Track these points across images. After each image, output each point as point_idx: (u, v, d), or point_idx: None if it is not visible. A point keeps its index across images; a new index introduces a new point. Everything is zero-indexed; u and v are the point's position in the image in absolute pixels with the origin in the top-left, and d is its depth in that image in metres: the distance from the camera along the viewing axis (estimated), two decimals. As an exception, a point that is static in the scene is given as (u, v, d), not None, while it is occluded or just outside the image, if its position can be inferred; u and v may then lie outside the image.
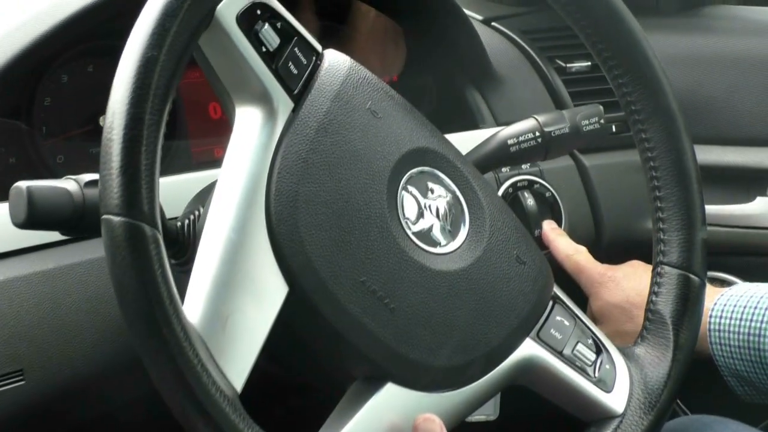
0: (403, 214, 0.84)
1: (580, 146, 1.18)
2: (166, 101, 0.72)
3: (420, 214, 0.85)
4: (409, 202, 0.85)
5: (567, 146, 1.07)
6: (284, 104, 0.81)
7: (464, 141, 1.11)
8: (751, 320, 0.98)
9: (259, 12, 0.80)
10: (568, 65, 1.32)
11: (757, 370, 0.98)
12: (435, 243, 0.85)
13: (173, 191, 0.95)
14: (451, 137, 1.17)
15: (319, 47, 0.86)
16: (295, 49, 0.82)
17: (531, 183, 1.20)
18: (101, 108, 0.73)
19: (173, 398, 0.70)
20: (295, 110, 0.82)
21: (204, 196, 0.92)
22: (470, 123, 1.26)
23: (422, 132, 0.88)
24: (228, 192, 0.79)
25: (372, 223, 0.82)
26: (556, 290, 0.92)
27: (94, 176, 0.79)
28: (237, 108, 0.82)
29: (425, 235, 0.85)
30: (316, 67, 0.84)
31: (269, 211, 0.78)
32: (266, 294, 0.77)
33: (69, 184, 0.81)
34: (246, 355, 0.76)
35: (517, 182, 1.20)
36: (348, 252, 0.80)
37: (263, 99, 0.81)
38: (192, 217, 0.89)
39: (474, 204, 0.89)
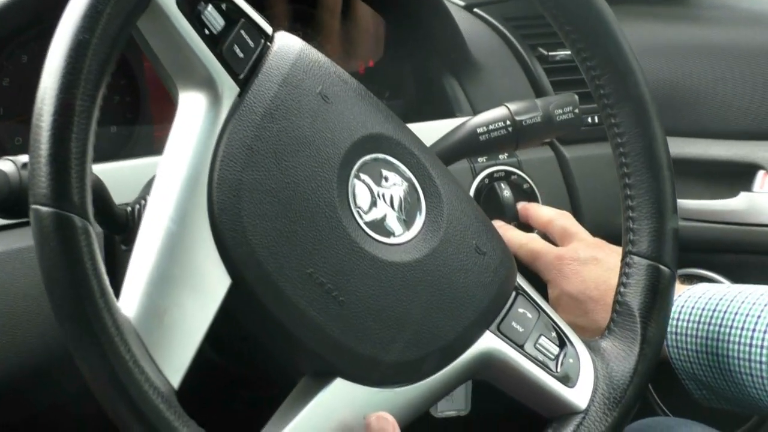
0: (355, 203, 0.81)
1: (553, 136, 1.15)
2: (99, 87, 0.69)
3: (373, 203, 0.82)
4: (361, 191, 0.82)
5: (539, 136, 1.04)
6: (229, 89, 0.78)
7: (439, 129, 1.09)
8: (709, 324, 0.94)
9: None
10: (551, 53, 1.29)
11: (715, 374, 0.95)
12: (388, 233, 0.82)
13: (134, 176, 0.93)
14: (427, 125, 1.16)
15: (269, 29, 0.82)
16: (242, 31, 0.79)
17: (508, 174, 1.18)
18: None
19: (104, 396, 0.68)
20: (240, 95, 0.78)
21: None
22: (447, 111, 1.23)
23: (377, 117, 0.85)
24: (168, 180, 0.76)
25: (320, 213, 0.79)
26: (520, 281, 0.89)
27: None
28: (180, 93, 0.79)
29: (378, 225, 0.82)
30: (265, 50, 0.81)
31: (211, 200, 0.75)
32: (207, 287, 0.74)
33: (5, 164, 0.78)
34: (184, 351, 0.73)
35: (493, 173, 1.17)
36: (294, 242, 0.77)
37: (207, 84, 0.78)
38: (143, 202, 0.87)
39: (431, 192, 0.85)
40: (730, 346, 0.93)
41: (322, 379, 0.79)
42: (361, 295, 0.79)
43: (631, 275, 0.89)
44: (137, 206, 0.87)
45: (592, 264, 1.03)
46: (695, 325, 0.95)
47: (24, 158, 0.78)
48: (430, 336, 0.81)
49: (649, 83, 0.90)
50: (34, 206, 0.67)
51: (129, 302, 0.72)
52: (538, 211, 1.11)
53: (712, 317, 0.94)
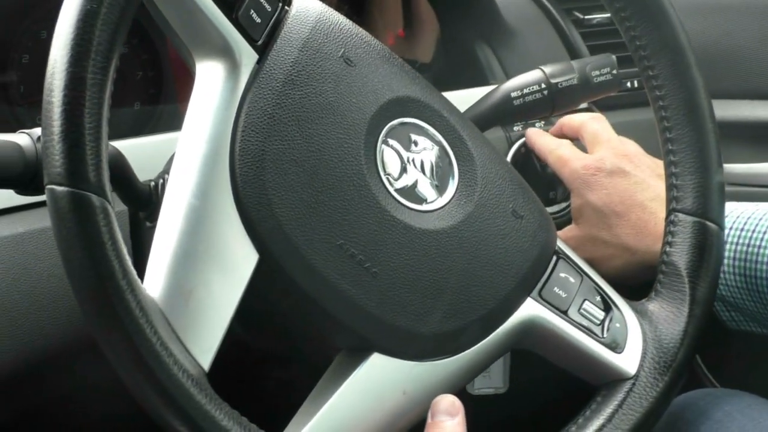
0: (384, 170, 0.78)
1: (590, 99, 1.10)
2: (111, 58, 0.65)
3: (403, 169, 0.79)
4: (390, 157, 0.79)
5: (576, 99, 1.00)
6: (247, 56, 0.75)
7: (473, 97, 1.05)
8: (738, 243, 0.90)
9: None
10: (587, 17, 1.25)
11: (744, 295, 0.90)
12: (420, 200, 0.79)
13: (158, 152, 0.90)
14: (460, 93, 1.13)
15: None
16: None
17: (545, 143, 1.13)
18: None
19: (132, 381, 0.65)
20: (259, 62, 0.75)
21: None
22: (480, 79, 1.20)
23: (403, 80, 0.81)
24: (188, 154, 0.73)
25: (348, 181, 0.75)
26: (560, 244, 0.85)
27: None
28: (197, 63, 0.75)
29: (409, 192, 0.79)
30: (283, 14, 0.77)
31: (234, 172, 0.72)
32: (234, 264, 0.71)
33: (21, 138, 0.76)
34: (213, 331, 0.70)
35: (529, 141, 1.13)
36: (322, 213, 0.74)
37: (224, 53, 0.74)
38: (166, 176, 0.83)
39: (463, 155, 0.82)
40: (759, 266, 0.88)
41: (359, 355, 0.76)
42: (394, 266, 0.76)
43: (677, 233, 0.85)
44: (161, 181, 0.84)
45: (619, 176, 0.98)
46: (725, 246, 0.91)
47: (39, 131, 0.76)
48: (468, 305, 0.78)
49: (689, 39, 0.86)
50: (49, 186, 0.64)
51: (154, 282, 0.70)
52: (541, 145, 1.04)
53: (740, 236, 0.90)
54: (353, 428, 0.74)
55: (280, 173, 0.73)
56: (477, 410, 0.85)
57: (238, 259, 0.71)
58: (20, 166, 0.74)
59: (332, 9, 0.81)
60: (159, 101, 1.08)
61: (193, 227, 0.71)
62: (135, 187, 0.83)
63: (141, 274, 0.69)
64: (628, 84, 1.20)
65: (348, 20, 0.81)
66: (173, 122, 1.08)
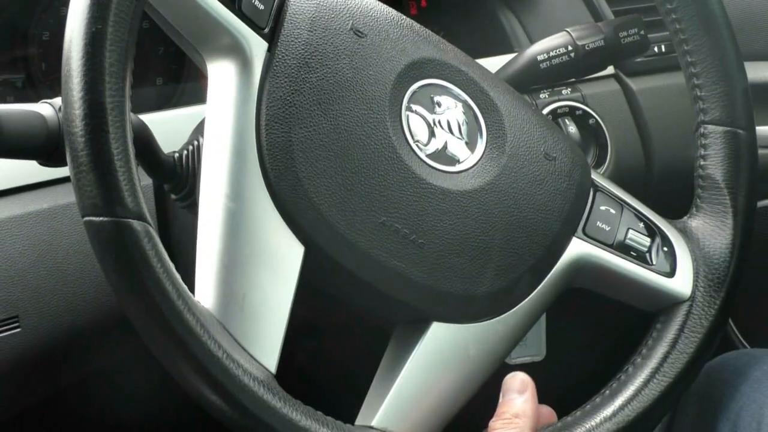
0: (413, 137, 0.77)
1: (618, 61, 1.09)
2: (125, 76, 0.64)
3: (431, 133, 0.78)
4: (416, 123, 0.77)
5: (604, 61, 0.98)
6: (257, 46, 0.73)
7: (498, 66, 1.04)
8: None
9: None
10: (612, -19, 1.23)
11: None
12: (453, 161, 0.78)
13: (182, 125, 0.90)
14: (485, 62, 1.11)
15: None
16: None
17: (573, 109, 1.12)
18: None
19: (205, 399, 0.65)
20: (270, 49, 0.74)
21: (203, 127, 0.85)
22: (505, 47, 1.18)
23: (415, 42, 0.80)
24: (215, 158, 0.72)
25: (379, 156, 0.74)
26: (595, 177, 0.84)
27: None
28: (208, 64, 0.74)
29: (441, 155, 0.78)
30: None
31: (264, 167, 0.71)
32: (281, 260, 0.71)
33: (43, 108, 0.75)
34: (273, 332, 0.70)
35: (557, 109, 1.11)
36: (360, 194, 0.73)
37: (234, 49, 0.73)
38: (191, 147, 0.83)
39: (487, 107, 0.81)
40: None
41: (418, 327, 0.76)
42: (439, 233, 0.75)
43: (709, 146, 0.85)
44: (185, 152, 0.83)
45: None
46: None
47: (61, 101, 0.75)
48: (517, 258, 0.78)
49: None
50: (86, 218, 0.63)
51: (205, 293, 0.69)
52: None
53: None
54: (427, 401, 0.74)
55: (311, 161, 0.72)
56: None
57: (284, 255, 0.71)
58: (43, 136, 0.74)
59: None
60: (181, 77, 1.07)
61: (235, 231, 0.70)
62: (159, 159, 0.83)
63: (169, 248, 0.68)
64: (656, 48, 1.18)
65: None
66: (195, 97, 1.07)
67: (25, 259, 0.87)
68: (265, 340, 0.69)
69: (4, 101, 1.01)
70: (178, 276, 0.64)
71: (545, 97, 1.11)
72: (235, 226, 0.70)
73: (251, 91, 0.72)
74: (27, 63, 1.03)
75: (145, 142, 0.80)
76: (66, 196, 0.89)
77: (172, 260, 0.67)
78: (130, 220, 0.62)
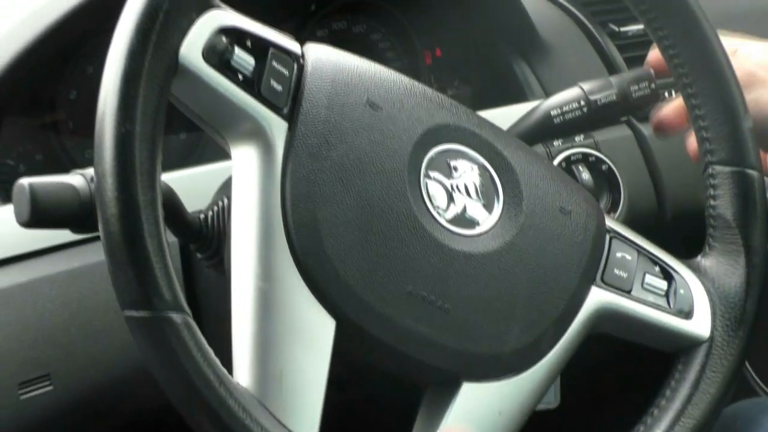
0: (432, 204, 0.79)
1: (629, 113, 1.11)
2: (156, 172, 0.67)
3: (450, 198, 0.80)
4: (435, 189, 0.80)
5: (616, 115, 1.00)
6: (278, 127, 0.75)
7: (513, 115, 1.06)
8: None
9: (225, 39, 0.73)
10: (622, 29, 1.26)
11: None
12: (473, 224, 0.80)
13: (205, 182, 0.92)
14: (500, 111, 1.14)
15: (296, 48, 0.79)
16: (273, 63, 0.75)
17: (586, 156, 1.14)
18: None
19: None
20: (290, 129, 0.75)
21: (228, 186, 0.88)
22: (519, 96, 1.21)
23: (429, 109, 0.82)
24: (245, 239, 0.74)
25: (402, 226, 0.76)
26: (610, 223, 0.86)
27: None
28: (232, 148, 0.76)
29: (460, 219, 0.80)
30: (300, 73, 0.77)
31: (293, 246, 0.73)
32: (314, 335, 0.73)
33: (75, 179, 0.78)
34: (312, 406, 0.72)
35: (570, 156, 1.14)
36: (386, 265, 0.75)
37: (256, 133, 0.75)
38: (216, 208, 0.86)
39: (502, 168, 0.83)
40: None
41: (449, 389, 0.78)
42: (464, 297, 0.77)
43: (718, 186, 0.87)
44: (210, 213, 0.86)
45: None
46: None
47: (93, 171, 0.78)
48: (540, 314, 0.80)
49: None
50: (127, 313, 0.66)
51: (243, 373, 0.72)
52: None
53: None
54: None
55: (337, 237, 0.74)
56: (528, 428, 0.86)
57: (317, 330, 0.73)
58: (75, 206, 0.77)
59: (343, 52, 0.81)
60: (203, 134, 1.10)
61: (267, 310, 0.72)
62: (186, 221, 0.85)
63: (195, 306, 0.71)
64: (667, 94, 1.20)
65: (361, 59, 0.82)
66: (218, 152, 1.09)
67: (56, 318, 0.89)
68: (304, 414, 0.71)
69: (33, 158, 1.04)
70: (217, 362, 0.67)
71: (559, 145, 1.14)
72: (268, 305, 0.72)
73: (275, 171, 0.74)
74: (55, 122, 1.06)
75: (172, 207, 0.83)
76: (95, 255, 0.92)
77: (197, 314, 0.70)
78: (168, 312, 0.65)
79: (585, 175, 1.12)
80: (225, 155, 1.02)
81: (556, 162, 1.12)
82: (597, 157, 1.14)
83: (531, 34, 1.22)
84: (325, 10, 1.20)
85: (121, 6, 0.96)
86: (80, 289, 0.91)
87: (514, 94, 1.21)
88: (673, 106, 0.97)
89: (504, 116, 1.08)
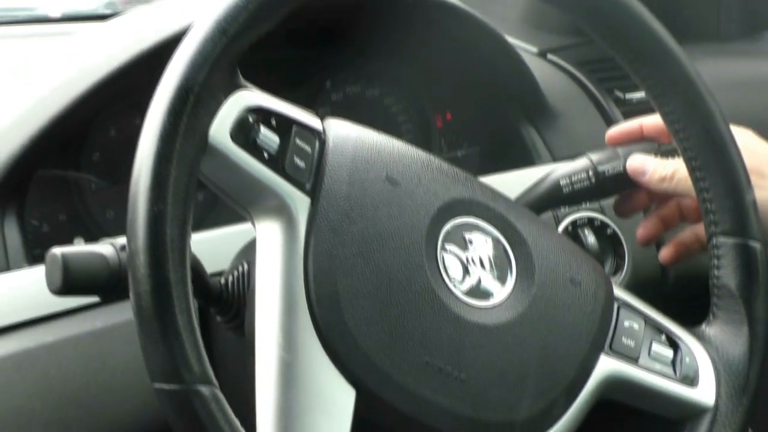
0: (449, 277, 0.82)
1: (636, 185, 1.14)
2: (186, 249, 0.70)
3: (465, 271, 0.83)
4: (451, 262, 0.82)
5: (623, 185, 1.03)
6: (301, 203, 0.78)
7: (521, 178, 1.09)
8: None
9: (251, 119, 0.76)
10: (627, 96, 1.29)
11: None
12: (487, 295, 0.83)
13: (224, 244, 0.95)
14: (508, 176, 1.17)
15: (318, 125, 0.81)
16: (297, 140, 0.78)
17: (591, 220, 1.17)
18: None
19: None
20: (313, 204, 0.78)
21: (248, 251, 0.90)
22: (526, 160, 1.24)
23: (445, 184, 0.85)
24: (269, 311, 0.77)
25: (420, 299, 0.79)
26: (617, 292, 0.89)
27: None
28: (257, 223, 0.79)
29: (475, 291, 0.82)
30: (322, 149, 0.80)
31: (315, 319, 0.76)
32: (335, 404, 0.75)
33: (105, 248, 0.80)
34: None
35: (576, 220, 1.16)
36: (404, 336, 0.78)
37: (281, 210, 0.78)
38: (236, 273, 0.88)
39: (515, 240, 0.86)
40: None
41: None
42: (479, 367, 0.80)
43: (722, 257, 0.89)
44: (230, 277, 0.88)
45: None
46: None
47: (122, 240, 0.80)
48: (552, 382, 0.82)
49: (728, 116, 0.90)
50: (158, 385, 0.68)
51: None
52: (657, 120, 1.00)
53: None
54: None
55: (357, 309, 0.76)
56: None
57: (337, 399, 0.75)
58: (105, 275, 0.79)
59: (361, 127, 0.84)
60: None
61: (290, 380, 0.75)
62: (207, 286, 0.87)
63: (213, 366, 0.73)
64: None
65: (379, 134, 0.85)
66: (234, 212, 1.12)
67: (80, 378, 0.91)
68: None
69: (56, 218, 1.06)
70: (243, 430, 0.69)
71: (565, 209, 1.16)
72: (291, 375, 0.75)
73: (297, 246, 0.77)
74: (78, 183, 1.08)
75: (195, 273, 0.84)
76: (117, 316, 0.94)
77: (215, 374, 0.71)
78: (197, 385, 0.68)
79: (591, 238, 1.15)
80: (241, 217, 1.06)
81: (562, 225, 1.15)
82: (602, 221, 1.17)
83: (539, 100, 1.25)
84: (339, 75, 1.23)
85: (140, 76, 1.00)
86: (103, 349, 0.93)
87: (522, 158, 1.24)
88: (647, 222, 1.04)
89: (512, 180, 1.11)
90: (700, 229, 1.01)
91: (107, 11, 1.46)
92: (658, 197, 1.05)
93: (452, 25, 1.18)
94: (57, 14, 1.44)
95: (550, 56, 1.37)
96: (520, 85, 1.25)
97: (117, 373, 0.93)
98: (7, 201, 0.97)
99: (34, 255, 1.00)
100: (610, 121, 1.27)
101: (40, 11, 1.47)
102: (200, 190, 1.13)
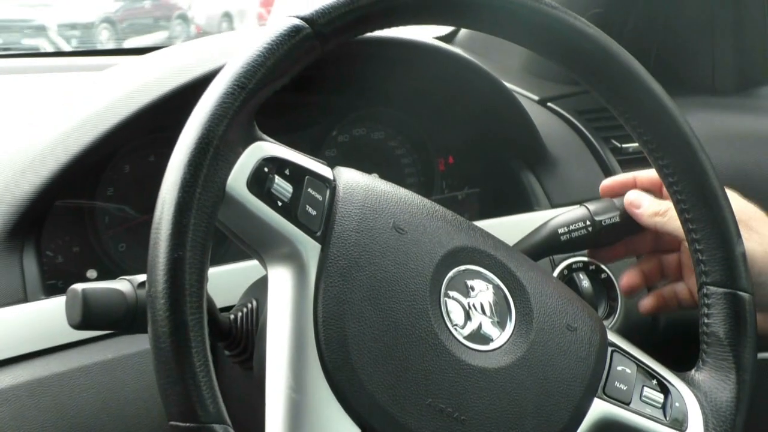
0: (451, 322, 0.85)
1: (630, 234, 1.17)
2: (203, 293, 0.73)
3: (467, 316, 0.86)
4: (453, 307, 0.86)
5: (618, 234, 1.07)
6: (312, 249, 0.81)
7: (519, 223, 1.13)
8: None
9: (266, 169, 0.80)
10: (624, 145, 1.32)
11: None
12: (487, 340, 0.86)
13: (232, 280, 0.98)
14: (507, 220, 1.20)
15: (329, 173, 0.85)
16: (309, 189, 0.82)
17: (586, 265, 1.19)
18: None
19: None
20: (323, 250, 0.81)
21: (255, 288, 0.94)
22: (524, 205, 1.27)
23: (449, 232, 0.88)
24: (280, 353, 0.80)
25: (423, 343, 0.82)
26: (611, 337, 0.92)
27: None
28: (269, 268, 0.82)
29: (476, 335, 0.86)
30: (332, 198, 0.83)
31: (324, 361, 0.79)
32: None
33: (123, 285, 0.83)
34: None
35: (572, 264, 1.19)
36: (408, 379, 0.81)
37: (292, 256, 0.81)
38: (245, 309, 0.91)
39: (515, 288, 0.89)
40: None
41: None
42: (479, 409, 0.83)
43: (712, 305, 0.93)
44: (239, 314, 0.91)
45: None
46: None
47: (140, 278, 0.84)
48: (547, 424, 0.85)
49: (720, 171, 0.94)
50: (173, 423, 0.71)
51: None
52: (650, 174, 1.06)
53: None
54: None
55: (364, 353, 0.80)
56: None
57: None
58: (122, 311, 0.82)
59: (369, 176, 0.87)
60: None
61: (299, 419, 0.78)
62: (217, 322, 0.90)
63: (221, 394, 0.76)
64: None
65: (387, 183, 0.88)
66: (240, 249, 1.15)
67: (90, 406, 0.94)
68: None
69: (70, 250, 1.10)
70: None
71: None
72: (299, 414, 0.78)
73: (308, 291, 0.80)
74: (93, 216, 1.11)
75: (207, 311, 0.88)
76: (128, 347, 0.97)
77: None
78: (212, 425, 0.71)
79: (585, 282, 1.17)
80: (246, 254, 1.09)
81: (558, 269, 1.18)
82: (597, 266, 1.19)
83: (538, 147, 1.28)
84: (346, 119, 1.27)
85: (161, 117, 1.04)
86: (113, 379, 0.96)
87: (520, 202, 1.27)
88: (630, 275, 1.09)
89: (511, 225, 1.14)
90: (679, 286, 1.06)
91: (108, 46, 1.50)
92: (637, 251, 1.10)
93: (456, 74, 1.21)
94: (65, 48, 1.48)
95: (550, 104, 1.40)
96: (520, 132, 1.28)
97: (127, 402, 0.96)
98: (28, 233, 1.00)
99: (49, 286, 1.03)
100: (606, 169, 1.30)
101: (37, 22, 1.51)
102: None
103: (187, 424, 0.70)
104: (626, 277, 1.10)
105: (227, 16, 8.02)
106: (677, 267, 1.08)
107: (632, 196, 1.05)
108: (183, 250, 0.72)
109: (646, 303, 1.10)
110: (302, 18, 0.79)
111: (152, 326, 0.72)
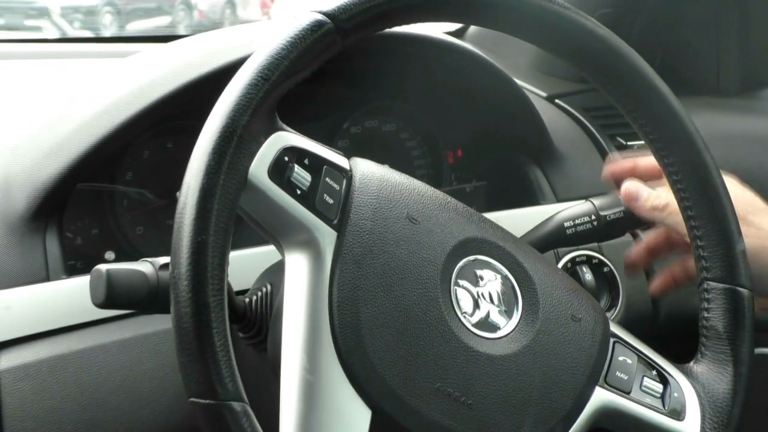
0: (460, 309, 0.87)
1: (634, 229, 1.20)
2: (224, 276, 0.75)
3: (475, 304, 0.89)
4: (463, 296, 0.88)
5: (623, 229, 1.09)
6: (328, 236, 0.84)
7: (525, 216, 1.15)
8: None
9: (287, 158, 0.82)
10: (629, 142, 1.35)
11: None
12: (494, 328, 0.88)
13: (248, 264, 1.01)
14: (514, 213, 1.23)
15: (346, 164, 0.87)
16: (327, 179, 0.84)
17: (589, 258, 1.23)
18: (178, 182, 0.78)
19: None
20: (339, 238, 0.84)
21: (271, 273, 0.97)
22: (531, 199, 1.29)
23: (460, 223, 0.91)
24: (295, 335, 0.83)
25: (433, 329, 0.85)
26: (613, 328, 0.95)
27: (167, 259, 0.84)
28: (286, 254, 0.85)
29: (484, 323, 0.88)
30: (349, 187, 0.86)
31: (337, 344, 0.81)
32: (352, 423, 0.81)
33: (145, 266, 0.86)
34: None
35: (575, 257, 1.22)
36: (418, 363, 0.83)
37: (310, 243, 0.84)
38: (260, 293, 0.94)
39: (523, 278, 0.92)
40: None
41: None
42: (485, 394, 0.86)
43: (712, 300, 0.95)
44: (254, 297, 0.94)
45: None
46: None
47: (161, 260, 0.86)
48: (550, 411, 0.88)
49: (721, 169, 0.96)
50: (193, 400, 0.74)
51: None
52: (650, 161, 1.06)
53: None
54: None
55: (377, 337, 0.82)
56: None
57: (355, 420, 0.81)
58: (144, 291, 0.85)
59: (384, 167, 0.90)
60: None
61: (312, 400, 0.81)
62: (234, 305, 0.93)
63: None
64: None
65: (401, 175, 0.91)
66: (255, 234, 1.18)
67: (109, 383, 0.97)
68: None
69: (89, 232, 1.13)
70: None
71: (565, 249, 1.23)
72: (312, 395, 0.80)
73: (323, 276, 0.83)
74: (112, 200, 1.14)
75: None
76: (145, 326, 1.00)
77: None
78: (231, 402, 0.73)
79: (588, 275, 1.20)
80: (261, 240, 1.12)
81: (562, 262, 1.21)
82: (600, 259, 1.23)
83: (546, 143, 1.30)
84: (359, 111, 1.29)
85: (182, 105, 1.06)
86: (130, 357, 0.99)
87: (526, 195, 1.29)
88: (636, 250, 1.11)
89: (519, 217, 1.17)
90: (689, 261, 1.06)
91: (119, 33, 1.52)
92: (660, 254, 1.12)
93: (467, 70, 1.24)
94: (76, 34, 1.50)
95: (557, 101, 1.42)
96: (528, 128, 1.30)
97: (144, 380, 0.99)
98: (50, 215, 1.02)
99: (69, 266, 1.06)
100: (610, 165, 1.33)
101: (40, 4, 1.52)
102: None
103: (207, 401, 0.73)
104: (632, 254, 1.12)
105: (230, 3, 8.02)
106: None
107: (630, 188, 1.06)
108: (206, 234, 0.74)
109: (656, 284, 1.12)
110: (324, 13, 0.82)
111: (175, 306, 0.74)
